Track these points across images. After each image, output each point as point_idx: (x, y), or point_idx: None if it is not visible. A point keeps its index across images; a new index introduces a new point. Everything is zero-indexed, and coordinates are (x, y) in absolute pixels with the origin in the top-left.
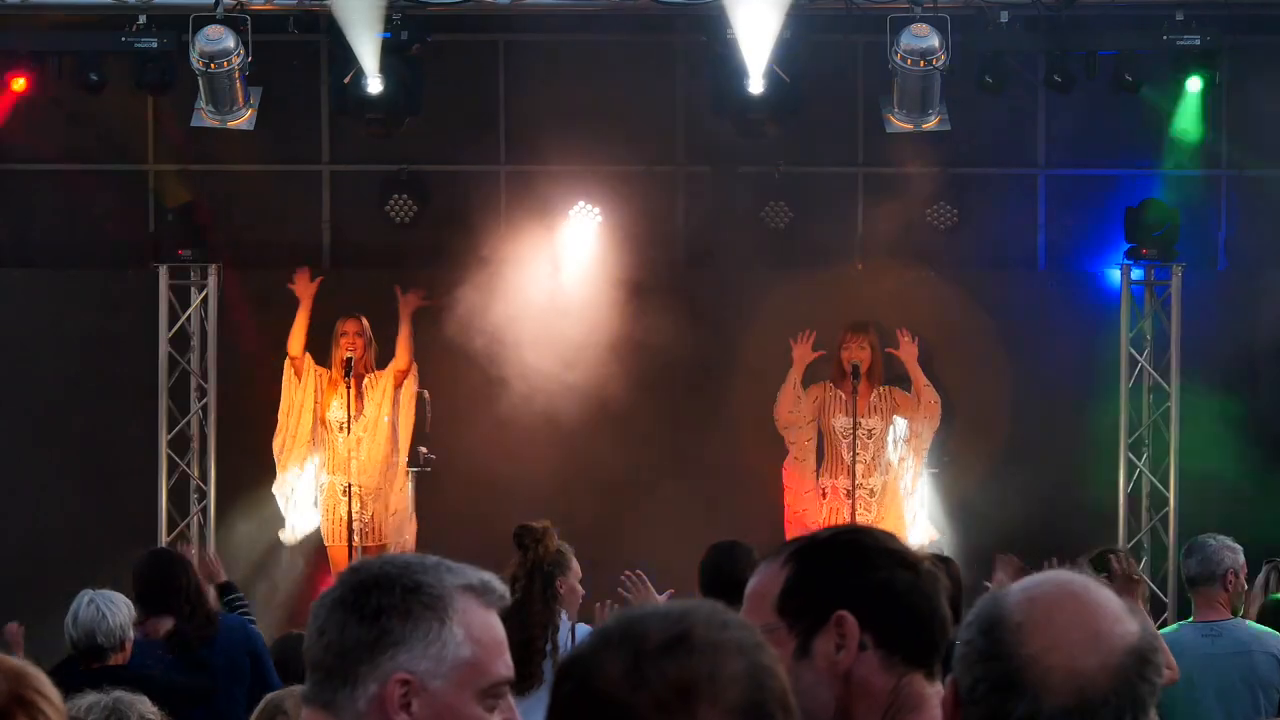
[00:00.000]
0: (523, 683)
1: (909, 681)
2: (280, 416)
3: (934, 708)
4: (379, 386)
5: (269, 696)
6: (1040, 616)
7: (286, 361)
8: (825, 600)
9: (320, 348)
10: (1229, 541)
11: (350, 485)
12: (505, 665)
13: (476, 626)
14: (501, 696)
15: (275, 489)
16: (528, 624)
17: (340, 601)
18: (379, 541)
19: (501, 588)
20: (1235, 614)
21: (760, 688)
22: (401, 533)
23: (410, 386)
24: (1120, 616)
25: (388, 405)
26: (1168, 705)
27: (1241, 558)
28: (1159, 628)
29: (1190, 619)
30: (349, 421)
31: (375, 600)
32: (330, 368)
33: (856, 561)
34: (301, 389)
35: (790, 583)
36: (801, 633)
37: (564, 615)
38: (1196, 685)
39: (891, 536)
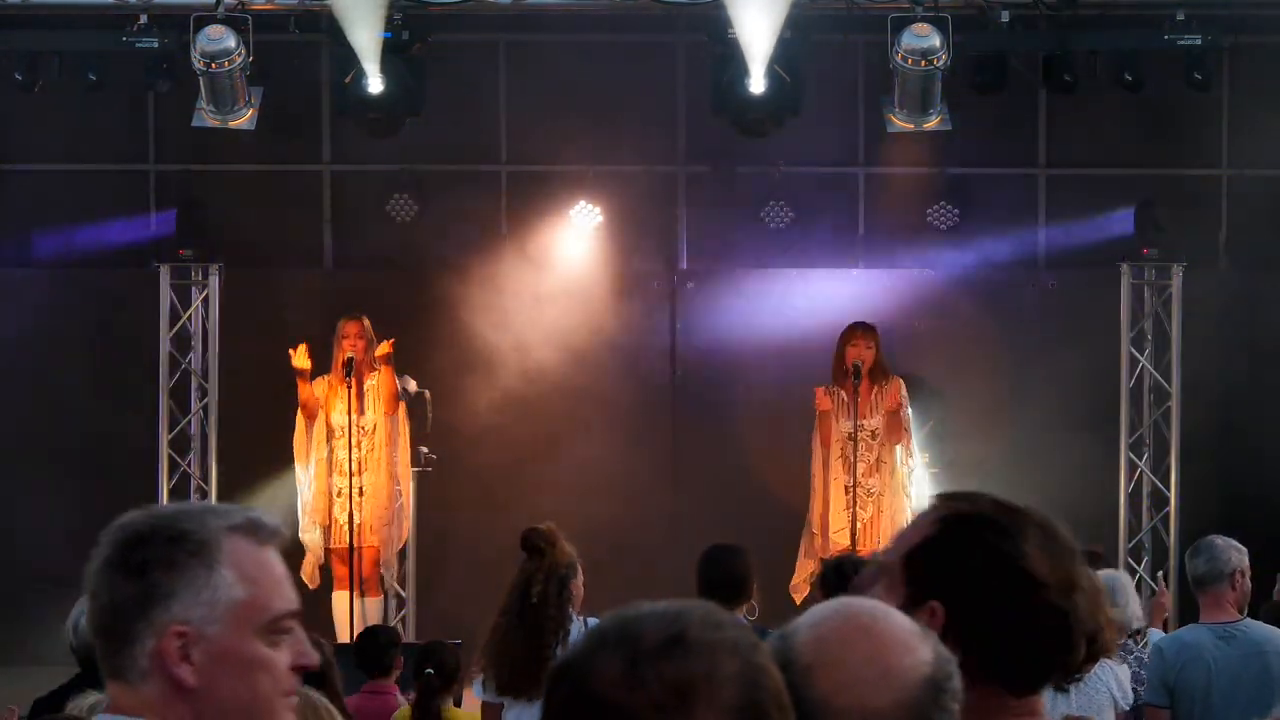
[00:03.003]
0: (535, 687)
1: (985, 695)
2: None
3: None
4: (375, 388)
5: None
6: (829, 657)
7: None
8: (933, 580)
9: (321, 350)
10: (1235, 542)
11: (350, 486)
12: (285, 599)
13: (249, 565)
14: (287, 631)
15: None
16: (541, 629)
17: (108, 561)
18: (377, 543)
19: (274, 523)
20: (1243, 614)
21: (756, 687)
22: (400, 532)
23: (402, 410)
24: (911, 646)
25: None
26: (1184, 708)
27: (1247, 558)
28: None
29: (1199, 620)
30: (350, 423)
31: (140, 555)
32: (330, 370)
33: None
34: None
35: (924, 544)
36: (908, 595)
37: (573, 615)
38: (1213, 688)
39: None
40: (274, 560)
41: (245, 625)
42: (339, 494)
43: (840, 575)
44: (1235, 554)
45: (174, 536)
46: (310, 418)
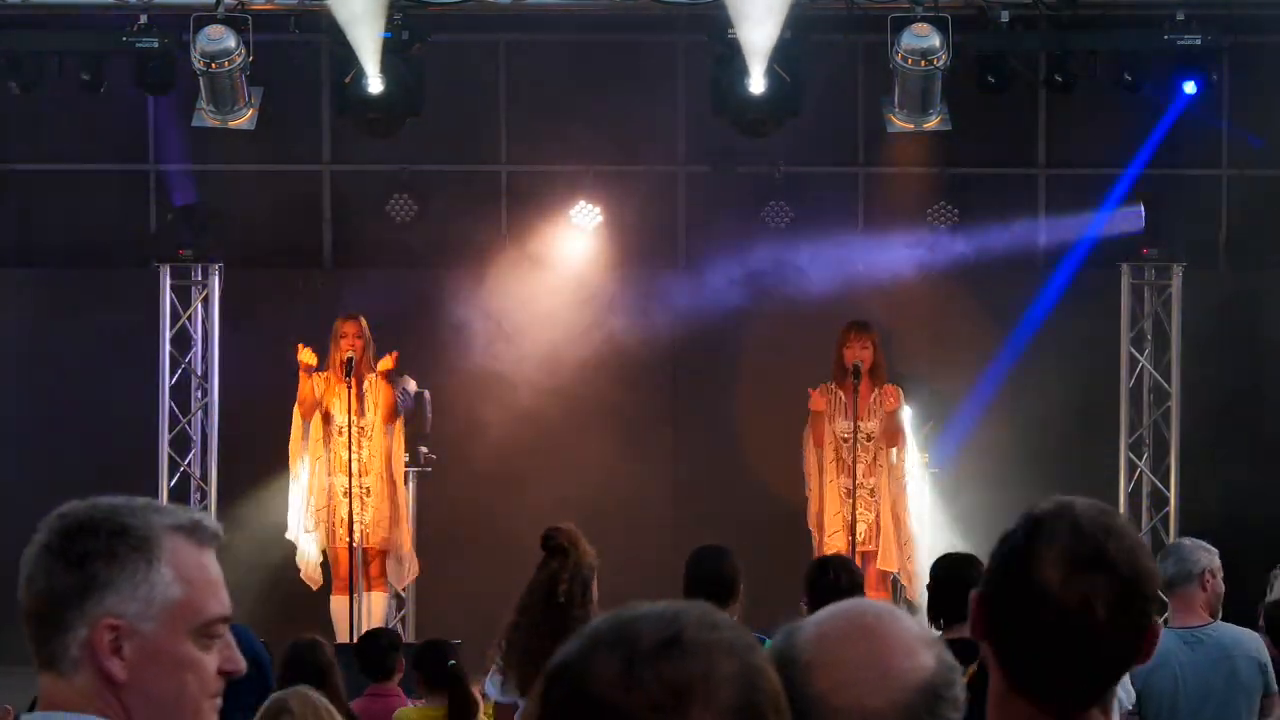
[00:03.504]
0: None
1: (1017, 708)
2: (294, 429)
3: None
4: (372, 388)
5: (274, 695)
6: (829, 655)
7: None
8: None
9: (319, 351)
10: (1203, 543)
11: (350, 486)
12: (220, 603)
13: (187, 566)
14: (218, 635)
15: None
16: (569, 629)
17: (47, 548)
18: (380, 543)
19: (214, 525)
20: (1214, 616)
21: (753, 688)
22: (400, 532)
23: (399, 424)
24: (913, 650)
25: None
26: (1150, 714)
27: (1217, 559)
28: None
29: (1168, 625)
30: (349, 423)
31: (81, 545)
32: (328, 369)
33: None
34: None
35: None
36: None
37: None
38: (1181, 694)
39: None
40: (212, 563)
41: (179, 625)
42: (344, 494)
43: (824, 575)
44: (1204, 554)
45: (117, 530)
46: (305, 416)
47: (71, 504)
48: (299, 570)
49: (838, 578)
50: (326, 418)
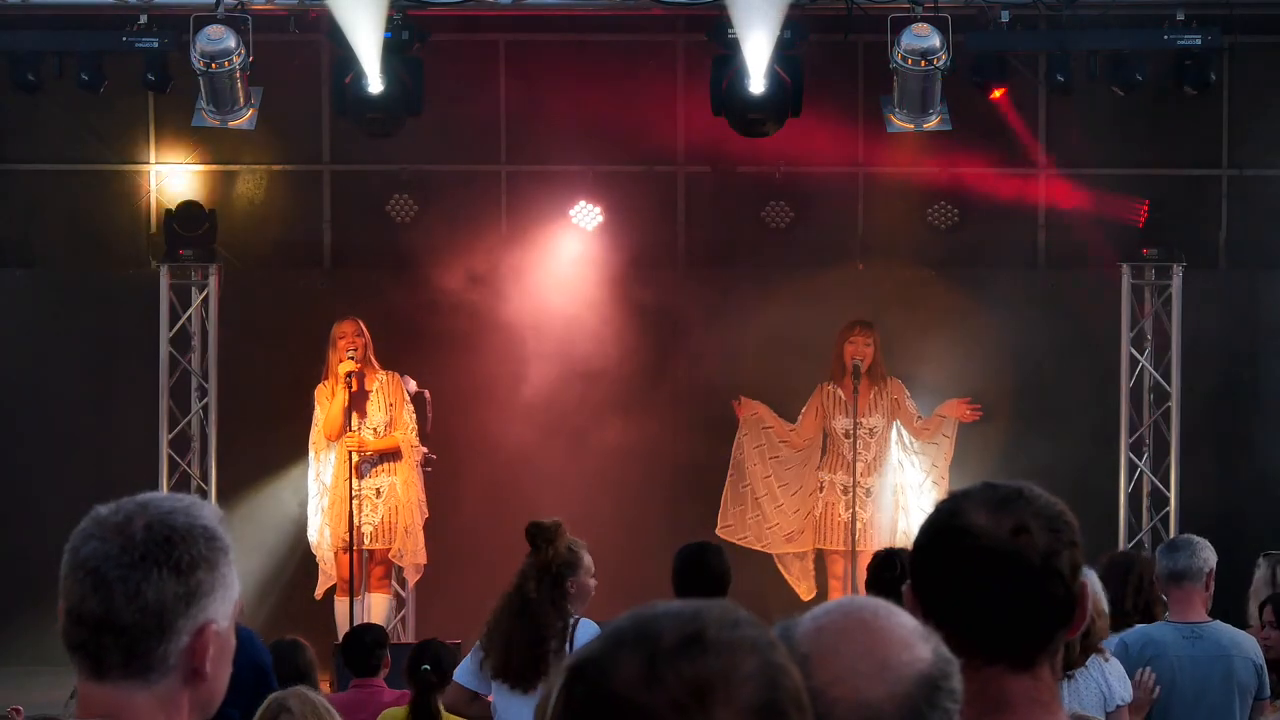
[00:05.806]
0: (530, 681)
1: (979, 673)
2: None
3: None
4: (382, 388)
5: (272, 695)
6: (827, 648)
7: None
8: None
9: (316, 355)
10: (1206, 541)
11: (352, 488)
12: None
13: (233, 563)
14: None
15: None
16: (537, 624)
17: (147, 559)
18: (387, 544)
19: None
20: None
21: (774, 686)
22: (413, 534)
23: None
24: (911, 643)
25: (396, 407)
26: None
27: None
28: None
29: (1167, 618)
30: (352, 425)
31: (183, 553)
32: (328, 376)
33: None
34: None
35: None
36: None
37: (572, 612)
38: (1176, 686)
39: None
40: None
41: (234, 618)
42: (351, 495)
43: (890, 568)
44: (1210, 553)
45: (209, 536)
46: (332, 437)
47: (144, 506)
48: (319, 567)
49: (903, 573)
50: (341, 424)
